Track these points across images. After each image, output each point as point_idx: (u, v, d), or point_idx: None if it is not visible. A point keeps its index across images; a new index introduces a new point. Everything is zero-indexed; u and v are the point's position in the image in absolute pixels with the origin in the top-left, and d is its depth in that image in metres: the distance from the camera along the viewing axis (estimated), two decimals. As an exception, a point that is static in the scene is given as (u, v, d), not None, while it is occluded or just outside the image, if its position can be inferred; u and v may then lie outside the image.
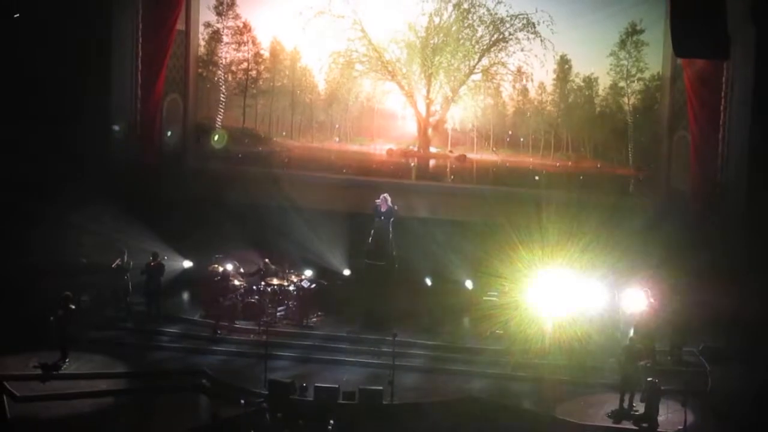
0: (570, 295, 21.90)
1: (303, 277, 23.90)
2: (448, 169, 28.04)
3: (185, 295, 24.69)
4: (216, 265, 23.83)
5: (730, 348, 22.11)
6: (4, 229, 23.18)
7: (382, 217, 24.33)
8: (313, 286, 23.77)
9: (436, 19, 27.21)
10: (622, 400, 20.04)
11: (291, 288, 23.57)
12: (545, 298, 21.90)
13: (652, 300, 21.92)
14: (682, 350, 22.15)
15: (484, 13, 27.03)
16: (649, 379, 19.54)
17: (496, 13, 26.94)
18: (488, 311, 22.86)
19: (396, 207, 24.41)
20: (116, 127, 25.99)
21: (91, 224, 23.46)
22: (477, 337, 23.00)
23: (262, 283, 23.56)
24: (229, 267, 23.91)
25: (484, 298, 23.50)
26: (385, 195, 24.37)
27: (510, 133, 27.56)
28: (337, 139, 28.18)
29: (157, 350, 22.26)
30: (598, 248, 22.49)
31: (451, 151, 27.90)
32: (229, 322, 22.92)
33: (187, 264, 24.54)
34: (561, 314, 21.81)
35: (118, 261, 23.03)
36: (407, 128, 27.94)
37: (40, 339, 21.11)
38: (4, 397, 18.96)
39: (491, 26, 27.07)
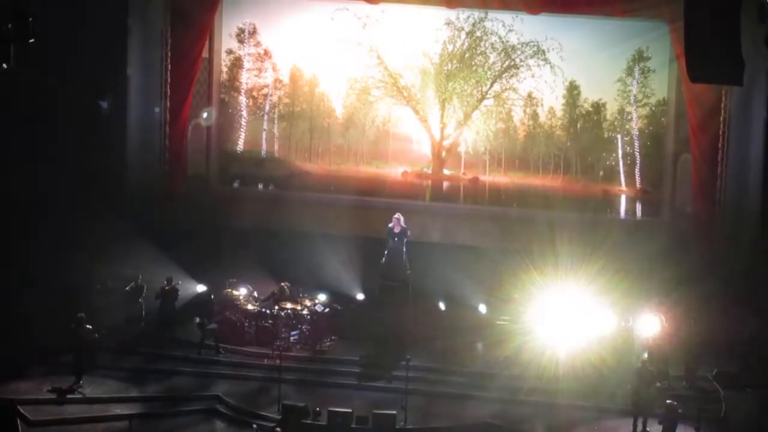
0: (583, 320, 19.67)
1: (317, 301, 21.62)
2: (461, 191, 26.07)
3: (199, 320, 21.91)
4: (230, 290, 21.42)
5: (744, 373, 19.75)
6: (18, 253, 20.81)
7: (396, 238, 22.19)
8: (327, 310, 21.45)
9: (450, 47, 25.44)
10: (635, 425, 18.00)
11: (305, 312, 21.24)
12: (559, 322, 19.66)
13: (665, 324, 19.65)
14: (696, 375, 19.78)
15: (495, 41, 25.23)
16: (668, 401, 17.42)
17: (507, 41, 25.14)
18: (502, 336, 20.56)
19: (409, 232, 22.25)
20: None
21: (107, 247, 21.01)
22: (490, 361, 20.64)
23: (276, 307, 21.24)
24: (243, 291, 21.64)
25: (498, 322, 21.21)
26: (399, 215, 22.29)
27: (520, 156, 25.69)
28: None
29: (171, 374, 19.86)
30: (612, 272, 20.25)
31: (464, 174, 25.93)
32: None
33: (201, 288, 21.99)
34: (574, 339, 19.52)
35: (132, 284, 20.61)
36: (422, 151, 26.06)
37: (54, 362, 19.01)
38: (18, 422, 16.73)
39: (503, 53, 25.28)
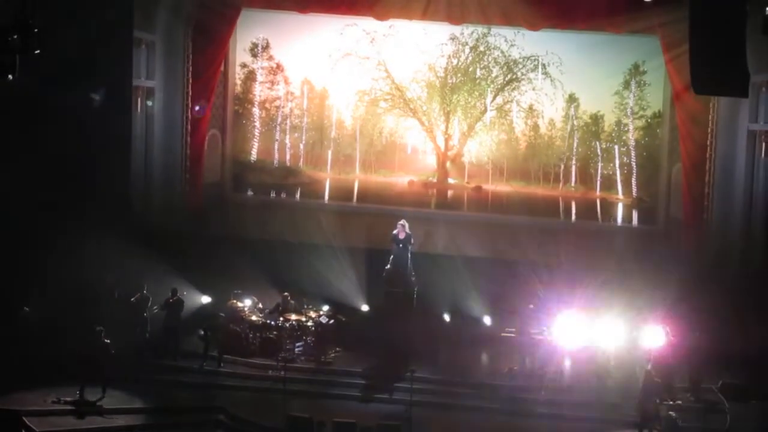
0: (589, 331, 17.48)
1: (321, 312, 19.24)
2: (464, 200, 23.91)
3: (202, 332, 19.33)
4: (234, 301, 18.98)
5: (749, 385, 17.31)
6: (24, 261, 18.34)
7: (400, 245, 19.96)
8: (332, 321, 19.03)
9: (454, 61, 23.46)
10: (640, 437, 15.69)
11: (309, 324, 18.85)
12: (564, 334, 17.48)
13: (670, 336, 17.25)
14: (700, 387, 17.30)
15: (498, 55, 23.22)
16: (670, 412, 15.43)
17: (509, 55, 23.16)
18: (506, 348, 18.40)
19: (413, 239, 20.03)
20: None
21: (113, 258, 18.49)
22: (495, 373, 18.25)
23: (281, 318, 18.86)
24: (248, 302, 19.30)
25: (502, 334, 18.95)
26: (403, 222, 20.14)
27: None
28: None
29: (176, 386, 17.44)
30: (617, 283, 18.06)
31: (467, 183, 23.80)
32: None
33: (206, 300, 19.59)
34: (580, 350, 17.39)
35: (137, 295, 18.18)
36: (427, 161, 23.98)
37: (61, 374, 16.52)
38: (23, 432, 14.92)
39: (505, 67, 23.26)
